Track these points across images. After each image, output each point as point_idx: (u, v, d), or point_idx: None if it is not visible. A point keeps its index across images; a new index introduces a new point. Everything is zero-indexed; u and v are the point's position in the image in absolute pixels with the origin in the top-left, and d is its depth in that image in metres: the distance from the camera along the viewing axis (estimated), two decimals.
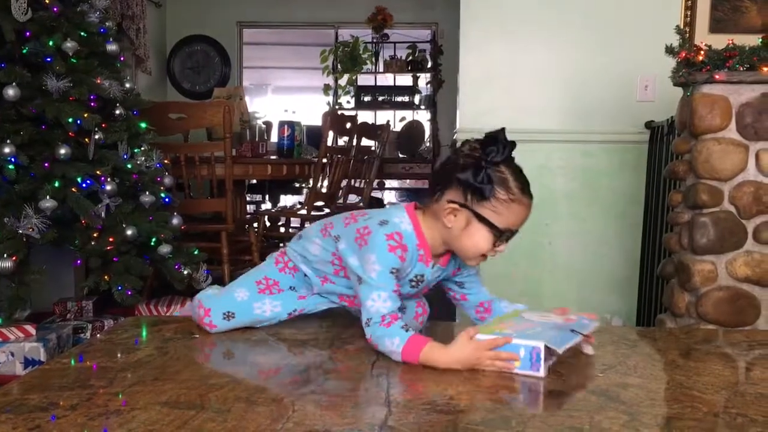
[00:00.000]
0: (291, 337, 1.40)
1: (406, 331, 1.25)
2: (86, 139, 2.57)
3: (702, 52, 2.26)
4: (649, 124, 3.18)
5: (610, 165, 3.30)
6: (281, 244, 4.92)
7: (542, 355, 1.14)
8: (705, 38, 2.98)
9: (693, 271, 2.26)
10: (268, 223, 5.04)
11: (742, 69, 2.23)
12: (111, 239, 2.52)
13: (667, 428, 0.95)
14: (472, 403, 1.03)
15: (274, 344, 1.36)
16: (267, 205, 6.08)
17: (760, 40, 2.24)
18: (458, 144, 1.34)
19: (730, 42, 2.26)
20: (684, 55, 2.29)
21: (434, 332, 1.41)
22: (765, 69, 2.20)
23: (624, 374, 1.17)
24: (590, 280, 3.33)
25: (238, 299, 1.43)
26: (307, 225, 4.87)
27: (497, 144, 1.26)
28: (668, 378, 1.16)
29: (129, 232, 2.55)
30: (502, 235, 1.28)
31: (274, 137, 4.70)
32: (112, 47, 2.73)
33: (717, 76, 2.23)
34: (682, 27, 2.57)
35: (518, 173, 1.29)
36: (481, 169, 1.26)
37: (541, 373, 1.14)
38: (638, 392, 1.07)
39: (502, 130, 1.29)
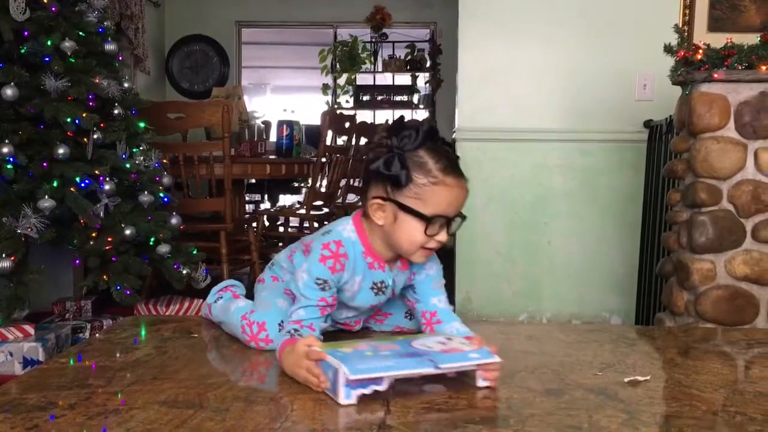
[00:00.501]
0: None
1: (288, 333, 1.20)
2: (85, 139, 2.57)
3: (700, 51, 2.26)
4: (647, 123, 3.18)
5: (609, 164, 3.30)
6: (279, 244, 4.93)
7: (341, 380, 1.02)
8: (703, 37, 2.98)
9: (692, 270, 2.26)
10: (267, 223, 5.04)
11: (740, 68, 2.23)
12: (109, 239, 2.52)
13: (665, 426, 0.95)
14: (470, 402, 1.03)
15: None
16: (266, 205, 6.08)
17: (759, 38, 2.25)
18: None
19: (729, 41, 2.27)
20: (682, 54, 2.29)
21: None
22: (763, 67, 2.20)
23: (622, 373, 1.16)
24: (589, 279, 3.34)
25: (283, 308, 1.34)
26: (304, 234, 4.87)
27: (408, 129, 1.20)
28: (667, 376, 1.16)
29: (128, 232, 2.55)
30: (431, 221, 1.20)
31: (273, 137, 4.70)
32: (110, 47, 2.73)
33: (715, 75, 2.23)
34: (680, 26, 2.58)
35: (441, 154, 1.20)
36: (393, 157, 1.19)
37: (340, 399, 1.02)
38: (637, 391, 1.07)
39: (402, 118, 1.27)
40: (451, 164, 1.21)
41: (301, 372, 1.09)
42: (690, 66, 2.29)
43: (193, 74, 6.38)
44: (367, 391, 1.02)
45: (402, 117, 1.25)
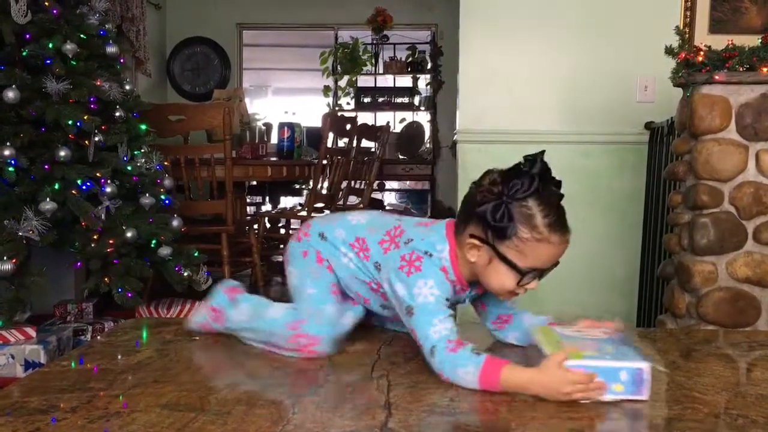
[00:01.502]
0: None
1: (477, 354, 1.12)
2: (86, 141, 2.57)
3: (701, 53, 2.26)
4: (648, 125, 3.18)
5: (610, 166, 3.30)
6: (281, 246, 4.93)
7: (647, 377, 1.05)
8: (704, 39, 2.98)
9: (693, 272, 2.26)
10: (268, 225, 5.05)
11: (741, 69, 2.23)
12: (111, 241, 2.52)
13: (667, 430, 0.95)
14: (472, 406, 1.03)
15: None
16: (267, 207, 6.08)
17: (760, 40, 2.25)
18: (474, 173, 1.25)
19: (730, 42, 2.27)
20: (683, 55, 2.29)
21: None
22: (765, 69, 2.20)
23: None
24: (590, 281, 3.33)
25: (334, 314, 1.30)
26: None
27: (521, 177, 1.15)
28: (668, 379, 1.16)
29: (129, 234, 2.55)
30: (526, 275, 1.18)
31: (274, 139, 4.70)
32: (111, 49, 2.73)
33: (717, 77, 2.23)
34: (681, 28, 2.57)
35: (551, 207, 1.17)
36: (500, 205, 1.15)
37: (645, 395, 1.05)
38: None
39: (536, 157, 1.19)
40: (558, 220, 1.17)
41: (576, 394, 1.03)
42: (691, 68, 2.29)
43: (195, 76, 6.39)
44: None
45: (536, 157, 1.18)
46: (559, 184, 1.21)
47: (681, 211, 2.38)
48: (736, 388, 1.12)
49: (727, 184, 2.25)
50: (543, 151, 1.20)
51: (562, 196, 1.21)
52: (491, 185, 1.18)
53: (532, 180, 1.15)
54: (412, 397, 1.05)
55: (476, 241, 1.20)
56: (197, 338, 1.36)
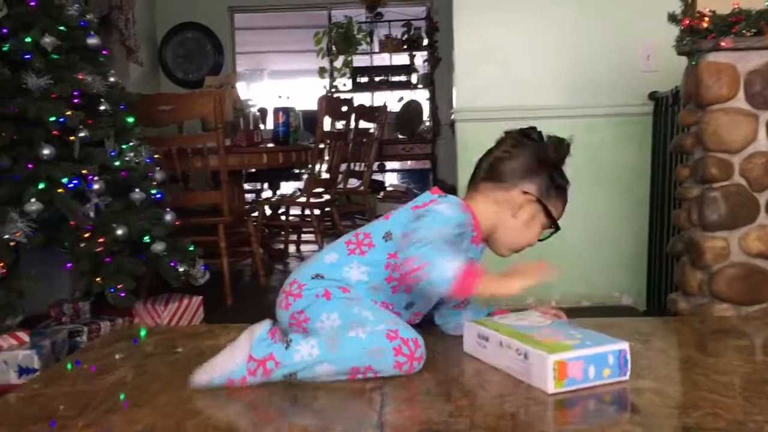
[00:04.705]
0: None
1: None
2: (71, 138, 2.49)
3: (706, 19, 2.15)
4: (653, 95, 3.07)
5: (614, 139, 3.20)
6: (282, 233, 4.86)
7: (629, 356, 1.07)
8: (709, 3, 2.85)
9: (704, 249, 2.17)
10: (269, 212, 4.97)
11: (748, 34, 2.12)
12: (101, 240, 2.45)
13: None
14: (473, 421, 0.93)
15: None
16: (267, 193, 6.00)
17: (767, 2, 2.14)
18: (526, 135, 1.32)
19: (736, 6, 2.15)
20: (687, 22, 2.18)
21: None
22: None
23: (637, 376, 1.07)
24: (597, 258, 3.25)
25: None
26: (306, 222, 4.70)
27: (543, 141, 1.30)
28: (685, 378, 1.06)
29: (120, 232, 2.47)
30: (555, 231, 1.32)
31: (270, 125, 4.61)
32: (93, 41, 2.64)
33: (723, 43, 2.12)
34: None
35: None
36: (561, 169, 1.30)
37: (627, 376, 1.07)
38: (653, 398, 0.98)
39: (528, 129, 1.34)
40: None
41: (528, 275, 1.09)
42: (696, 35, 2.18)
43: (187, 63, 6.26)
44: None
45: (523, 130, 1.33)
46: None
47: (689, 186, 2.29)
48: (760, 388, 1.02)
49: (737, 155, 2.16)
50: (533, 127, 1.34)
51: None
52: (555, 152, 1.28)
53: (559, 143, 1.28)
54: (407, 413, 0.96)
55: (531, 197, 1.27)
56: (180, 350, 1.27)
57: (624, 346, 1.07)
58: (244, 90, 8.25)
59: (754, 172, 2.14)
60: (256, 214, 4.21)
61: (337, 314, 1.17)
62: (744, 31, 2.12)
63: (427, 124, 6.84)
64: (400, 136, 6.79)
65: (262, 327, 1.14)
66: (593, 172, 3.21)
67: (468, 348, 1.22)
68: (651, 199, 3.10)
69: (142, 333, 1.46)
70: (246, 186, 5.28)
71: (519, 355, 1.08)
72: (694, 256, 2.22)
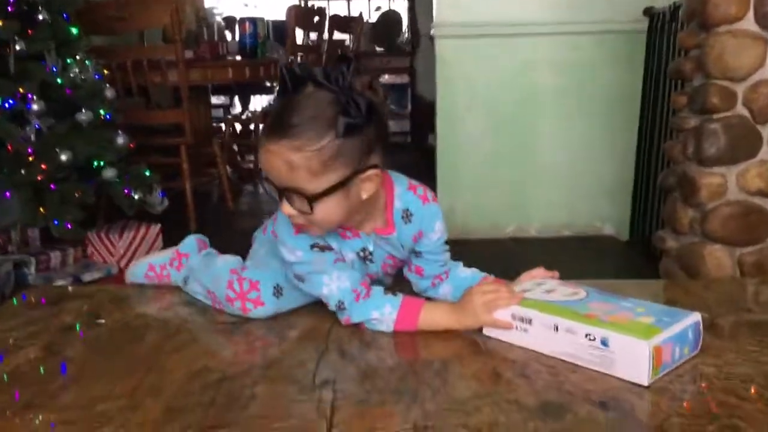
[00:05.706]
0: (214, 327, 1.10)
1: (394, 294, 1.05)
2: (7, 49, 2.24)
3: None
4: (648, 11, 2.83)
5: (603, 58, 2.98)
6: (253, 153, 4.63)
7: (701, 329, 0.95)
8: None
9: (699, 185, 2.00)
10: (239, 128, 4.73)
11: None
12: (44, 166, 2.23)
13: None
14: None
15: (196, 338, 1.07)
16: (237, 109, 5.72)
17: None
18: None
19: None
20: None
21: None
22: None
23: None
24: (579, 185, 3.09)
25: (280, 270, 1.11)
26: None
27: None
28: (695, 372, 0.88)
29: (64, 157, 2.26)
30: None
31: (237, 36, 4.31)
32: None
33: None
34: None
35: None
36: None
37: (698, 349, 0.95)
38: (660, 401, 0.82)
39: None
40: None
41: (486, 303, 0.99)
42: None
43: None
44: None
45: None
46: None
47: (686, 115, 2.11)
48: None
49: (742, 83, 1.96)
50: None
51: None
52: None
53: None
54: (361, 418, 0.78)
55: (378, 171, 1.00)
56: (102, 321, 1.08)
57: (698, 318, 0.95)
58: None
59: (759, 102, 1.95)
60: (223, 130, 3.98)
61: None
62: None
63: (406, 35, 6.52)
64: (378, 49, 6.48)
65: (191, 238, 1.31)
66: (576, 93, 3.01)
67: (496, 332, 1.01)
68: (640, 125, 2.91)
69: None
70: (213, 100, 5.00)
71: (591, 341, 0.90)
72: (687, 192, 2.05)
